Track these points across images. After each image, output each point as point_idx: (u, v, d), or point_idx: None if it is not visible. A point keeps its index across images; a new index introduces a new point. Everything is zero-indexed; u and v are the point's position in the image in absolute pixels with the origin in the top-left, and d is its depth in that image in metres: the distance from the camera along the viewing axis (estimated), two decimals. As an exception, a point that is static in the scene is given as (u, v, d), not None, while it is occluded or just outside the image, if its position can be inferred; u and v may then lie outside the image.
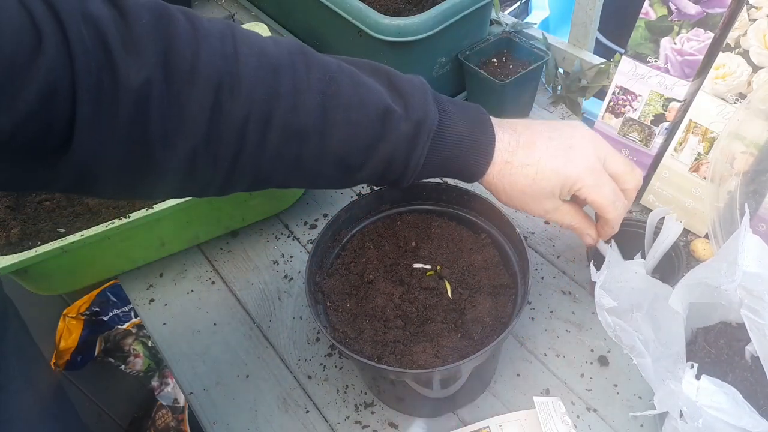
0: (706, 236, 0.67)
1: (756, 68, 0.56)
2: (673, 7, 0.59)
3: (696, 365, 0.41)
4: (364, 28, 0.75)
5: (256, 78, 0.37)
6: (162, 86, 0.34)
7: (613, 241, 0.55)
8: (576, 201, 0.52)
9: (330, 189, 0.49)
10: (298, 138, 0.40)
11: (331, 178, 0.45)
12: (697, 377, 0.40)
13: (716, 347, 0.50)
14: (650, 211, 0.66)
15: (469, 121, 0.46)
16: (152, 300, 0.70)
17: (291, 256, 0.73)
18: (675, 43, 0.61)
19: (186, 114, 0.35)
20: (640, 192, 0.72)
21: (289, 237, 0.75)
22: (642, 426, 0.54)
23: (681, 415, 0.41)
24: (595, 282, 0.47)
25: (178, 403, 1.24)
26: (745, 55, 0.56)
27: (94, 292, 1.18)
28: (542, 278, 0.67)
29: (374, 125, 0.42)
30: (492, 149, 0.46)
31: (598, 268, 0.49)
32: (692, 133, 0.63)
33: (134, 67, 0.33)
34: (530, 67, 0.79)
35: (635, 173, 0.50)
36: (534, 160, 0.46)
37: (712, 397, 0.39)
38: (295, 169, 0.42)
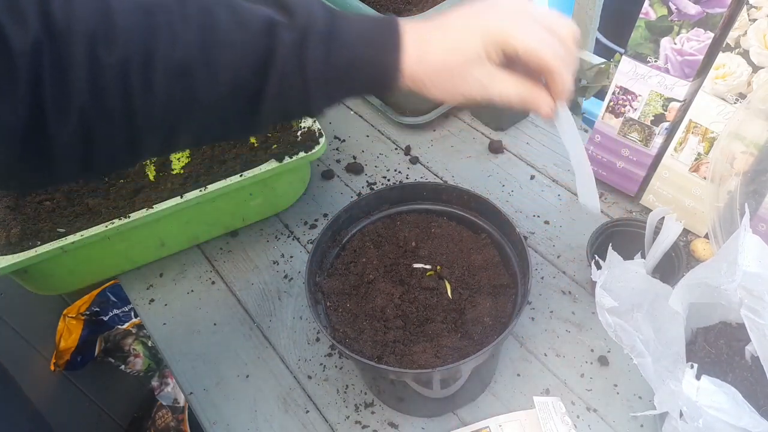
0: (706, 236, 0.67)
1: (756, 68, 0.56)
2: (673, 7, 0.59)
3: (696, 365, 0.41)
4: (364, 28, 0.75)
5: (129, 23, 0.37)
6: (48, 48, 0.35)
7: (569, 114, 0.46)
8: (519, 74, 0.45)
9: (254, 134, 0.45)
10: (183, 74, 0.39)
11: (238, 115, 0.43)
12: (697, 377, 0.40)
13: (716, 347, 0.50)
14: (650, 211, 0.66)
15: (369, 20, 0.43)
16: (152, 300, 0.70)
17: (291, 256, 0.73)
18: (675, 43, 0.61)
19: (70, 73, 0.35)
20: (640, 192, 0.72)
21: (289, 237, 0.75)
22: (642, 426, 0.54)
23: (681, 415, 0.41)
24: (596, 282, 0.47)
25: (178, 403, 1.24)
26: (745, 55, 0.56)
27: (94, 292, 1.18)
28: (542, 278, 0.67)
29: (259, 42, 0.40)
30: (398, 37, 0.42)
31: (598, 266, 0.49)
32: (692, 133, 0.63)
33: (22, 32, 0.34)
34: (530, 67, 0.79)
35: (565, 19, 0.44)
36: (450, 29, 0.43)
37: (712, 397, 0.39)
38: (194, 110, 0.40)
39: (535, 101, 0.44)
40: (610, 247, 0.50)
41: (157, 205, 0.63)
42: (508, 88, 0.43)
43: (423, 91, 0.44)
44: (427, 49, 0.42)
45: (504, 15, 0.42)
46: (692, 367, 0.41)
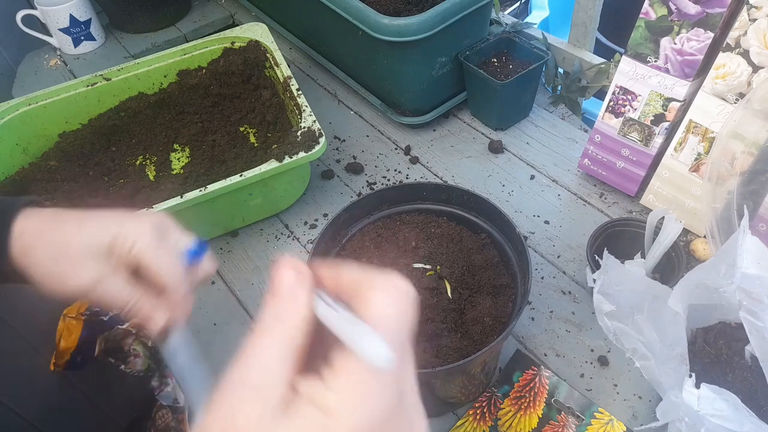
0: (706, 236, 0.67)
1: (756, 68, 0.56)
2: (673, 7, 0.59)
3: (694, 375, 0.41)
4: (364, 28, 0.75)
5: None
6: None
7: None
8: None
9: None
10: None
11: None
12: (697, 385, 0.40)
13: (716, 347, 0.50)
14: (650, 211, 0.66)
15: None
16: (152, 300, 0.70)
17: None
18: (675, 43, 0.61)
19: None
20: (639, 192, 0.72)
21: (289, 237, 0.75)
22: (642, 425, 0.54)
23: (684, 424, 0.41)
24: (593, 286, 0.47)
25: (179, 403, 1.24)
26: (745, 55, 0.56)
27: (94, 292, 1.18)
28: (542, 278, 0.67)
29: None
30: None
31: (593, 271, 0.48)
32: (692, 133, 0.63)
33: None
34: (530, 67, 0.79)
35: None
36: (86, 221, 0.39)
37: (713, 404, 0.39)
38: None
39: (142, 311, 0.40)
40: (605, 251, 0.50)
41: (156, 205, 0.63)
42: (120, 291, 0.39)
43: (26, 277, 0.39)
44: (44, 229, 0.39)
45: (144, 225, 0.40)
46: (691, 376, 0.41)
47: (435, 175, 0.81)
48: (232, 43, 0.86)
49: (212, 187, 0.65)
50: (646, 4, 0.61)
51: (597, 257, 0.49)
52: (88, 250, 0.38)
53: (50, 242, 0.38)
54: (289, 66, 0.80)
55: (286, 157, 0.66)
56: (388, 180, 0.81)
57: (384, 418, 0.21)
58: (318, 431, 0.21)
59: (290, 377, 0.22)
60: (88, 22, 1.04)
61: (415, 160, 0.83)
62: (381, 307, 0.22)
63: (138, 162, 0.83)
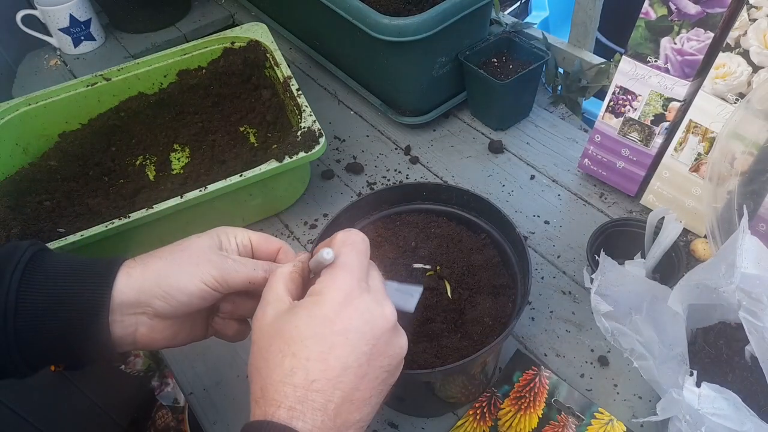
0: (706, 236, 0.67)
1: (756, 68, 0.56)
2: (673, 7, 0.59)
3: (696, 372, 0.41)
4: (364, 28, 0.75)
5: None
6: None
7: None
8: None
9: None
10: None
11: None
12: (698, 384, 0.40)
13: (716, 347, 0.50)
14: (650, 211, 0.66)
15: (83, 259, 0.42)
16: (152, 300, 0.70)
17: (291, 256, 0.73)
18: (675, 43, 0.61)
19: None
20: (640, 192, 0.72)
21: (289, 237, 0.75)
22: (642, 426, 0.54)
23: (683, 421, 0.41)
24: (590, 288, 0.47)
25: (178, 403, 1.24)
26: (745, 54, 0.56)
27: (95, 292, 1.18)
28: (542, 278, 0.67)
29: None
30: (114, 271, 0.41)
31: (590, 272, 0.48)
32: (692, 133, 0.63)
33: None
34: (530, 67, 0.79)
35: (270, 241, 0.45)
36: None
37: (713, 403, 0.39)
38: None
39: (269, 267, 0.43)
40: (602, 252, 0.50)
41: (157, 205, 0.63)
42: (240, 264, 0.42)
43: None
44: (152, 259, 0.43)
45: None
46: (692, 374, 0.41)
47: (435, 175, 0.81)
48: (232, 43, 0.86)
49: (212, 187, 0.65)
50: (646, 4, 0.61)
51: (597, 257, 0.49)
52: (199, 251, 0.42)
53: (159, 267, 0.42)
54: (289, 66, 0.80)
55: (286, 157, 0.66)
56: (388, 180, 0.81)
57: (354, 291, 0.36)
58: (313, 306, 0.36)
59: (293, 295, 0.38)
60: (88, 22, 1.04)
61: (415, 160, 0.83)
62: (335, 238, 0.39)
63: (138, 162, 0.83)
